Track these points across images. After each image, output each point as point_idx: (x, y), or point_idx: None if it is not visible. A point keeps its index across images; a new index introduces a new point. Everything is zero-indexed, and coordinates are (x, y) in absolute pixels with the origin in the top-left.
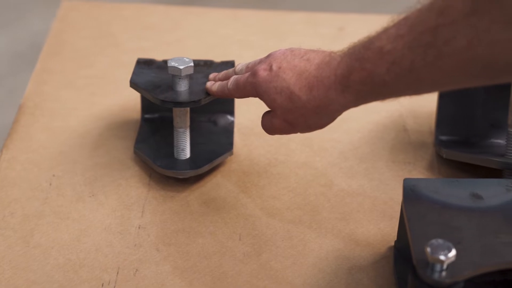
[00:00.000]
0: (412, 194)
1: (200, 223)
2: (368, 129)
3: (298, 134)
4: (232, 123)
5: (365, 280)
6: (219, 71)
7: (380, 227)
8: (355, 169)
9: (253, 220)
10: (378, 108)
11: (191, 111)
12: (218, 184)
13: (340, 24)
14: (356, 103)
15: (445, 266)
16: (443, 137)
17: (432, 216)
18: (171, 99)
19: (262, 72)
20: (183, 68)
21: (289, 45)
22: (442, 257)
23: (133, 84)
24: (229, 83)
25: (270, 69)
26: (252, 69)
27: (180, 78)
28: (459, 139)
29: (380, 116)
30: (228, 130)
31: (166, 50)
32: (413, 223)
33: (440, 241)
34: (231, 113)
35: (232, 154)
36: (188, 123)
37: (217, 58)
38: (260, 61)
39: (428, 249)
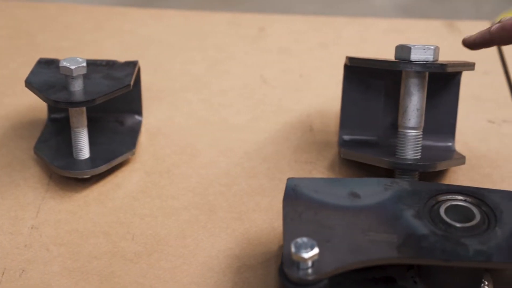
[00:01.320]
0: (292, 193)
1: (95, 223)
2: (276, 129)
3: (206, 133)
4: (139, 123)
5: (252, 279)
6: (121, 72)
7: (274, 226)
8: (257, 169)
9: (149, 220)
10: (288, 108)
11: (97, 111)
12: (119, 184)
13: (261, 25)
14: None
15: (310, 264)
16: (346, 137)
17: (307, 215)
18: (63, 99)
19: None
20: (75, 68)
21: (210, 46)
22: (304, 255)
23: (28, 84)
24: (492, 27)
25: None
26: None
27: (72, 78)
28: (362, 139)
29: (289, 116)
30: (134, 130)
31: (84, 50)
32: (288, 221)
33: (304, 239)
34: (139, 113)
35: (134, 153)
36: (85, 123)
37: (134, 58)
38: None
39: (292, 247)
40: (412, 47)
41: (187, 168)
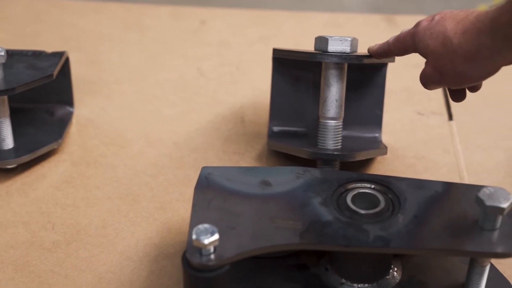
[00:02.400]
0: (205, 181)
1: (15, 213)
2: (207, 120)
3: (137, 125)
4: (70, 114)
5: (169, 267)
6: (46, 62)
7: None
8: (185, 159)
9: (70, 210)
10: (222, 100)
11: (27, 101)
12: (44, 174)
13: (202, 18)
14: (504, 51)
15: (211, 250)
16: (276, 129)
17: (216, 203)
18: None
19: (424, 22)
20: None
21: (150, 39)
22: (204, 241)
23: None
24: (390, 39)
25: (432, 19)
26: None
27: None
28: (291, 131)
29: (222, 108)
30: (64, 121)
31: (22, 42)
32: (195, 209)
33: (206, 225)
34: (70, 104)
35: (60, 144)
36: (7, 113)
37: (73, 50)
38: None
39: (194, 234)
40: (329, 38)
41: (114, 159)
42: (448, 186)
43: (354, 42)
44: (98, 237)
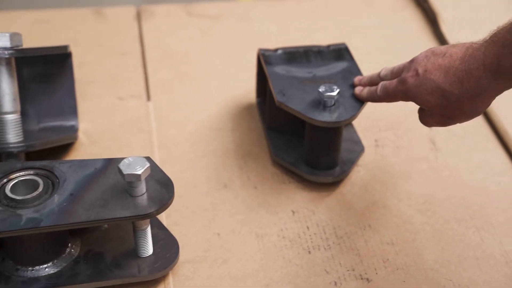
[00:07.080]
0: None
1: None
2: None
3: None
4: None
5: None
6: None
7: None
8: None
9: None
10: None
11: None
12: None
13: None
14: (510, 86)
15: None
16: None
17: None
18: None
19: (410, 79)
20: None
21: None
22: None
23: None
24: (378, 90)
25: (417, 74)
26: (397, 74)
27: None
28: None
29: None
30: None
31: None
32: None
33: None
34: None
35: None
36: None
37: None
38: (404, 67)
39: None
40: None
41: None
42: (108, 162)
43: (15, 37)
44: None
